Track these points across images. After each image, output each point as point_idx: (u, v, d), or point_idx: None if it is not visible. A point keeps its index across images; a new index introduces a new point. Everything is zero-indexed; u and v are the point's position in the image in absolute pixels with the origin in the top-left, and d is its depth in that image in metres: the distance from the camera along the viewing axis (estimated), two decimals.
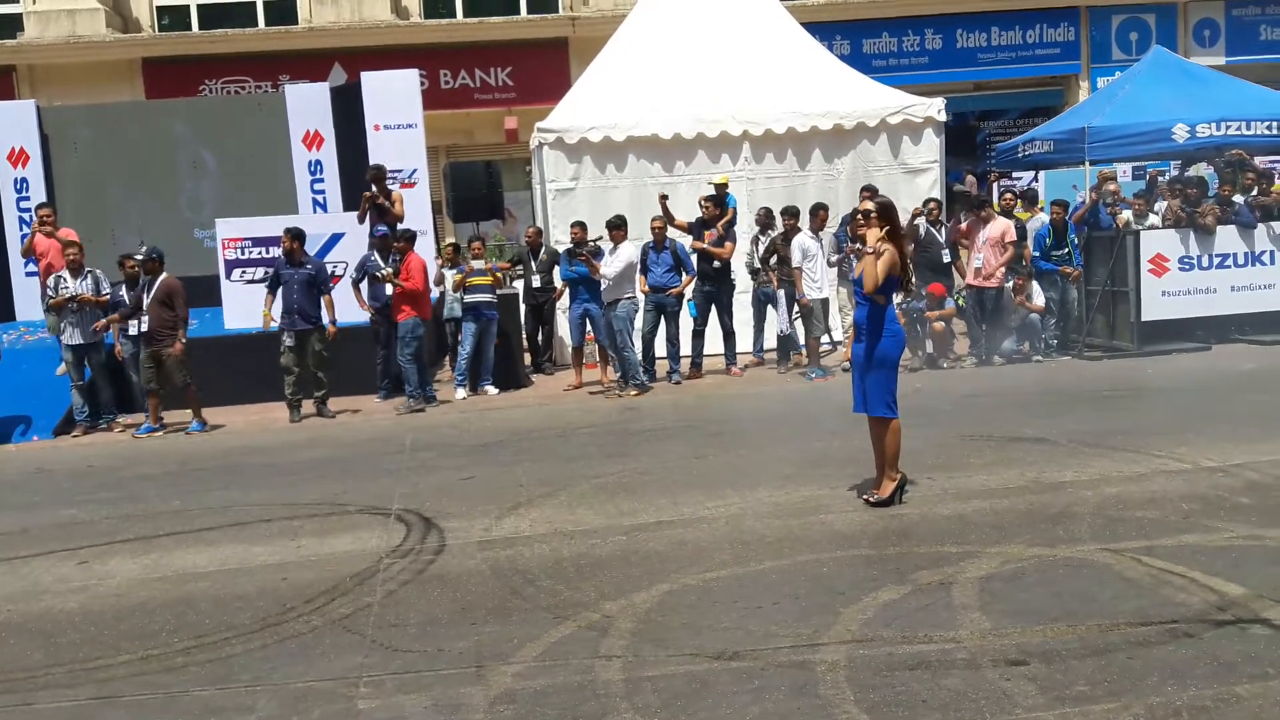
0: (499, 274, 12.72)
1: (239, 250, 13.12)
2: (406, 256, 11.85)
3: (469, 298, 12.23)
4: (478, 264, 12.35)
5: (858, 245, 7.17)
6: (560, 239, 13.13)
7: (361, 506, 7.57)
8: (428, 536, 6.67)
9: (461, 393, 12.20)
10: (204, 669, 4.78)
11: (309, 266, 11.65)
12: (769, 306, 12.95)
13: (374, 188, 12.94)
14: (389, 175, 13.48)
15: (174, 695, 4.51)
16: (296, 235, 11.70)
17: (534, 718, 4.06)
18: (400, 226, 12.59)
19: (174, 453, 10.33)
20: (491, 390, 12.30)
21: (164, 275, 11.22)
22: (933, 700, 3.99)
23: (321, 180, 14.82)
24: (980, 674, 4.21)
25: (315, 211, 14.54)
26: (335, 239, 13.21)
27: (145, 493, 8.60)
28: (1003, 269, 12.39)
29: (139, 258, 11.46)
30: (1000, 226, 12.41)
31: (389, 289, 12.00)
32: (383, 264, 12.07)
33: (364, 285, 12.30)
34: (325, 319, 11.62)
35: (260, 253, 13.10)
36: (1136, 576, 5.20)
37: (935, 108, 14.31)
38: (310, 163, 14.91)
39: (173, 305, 11.14)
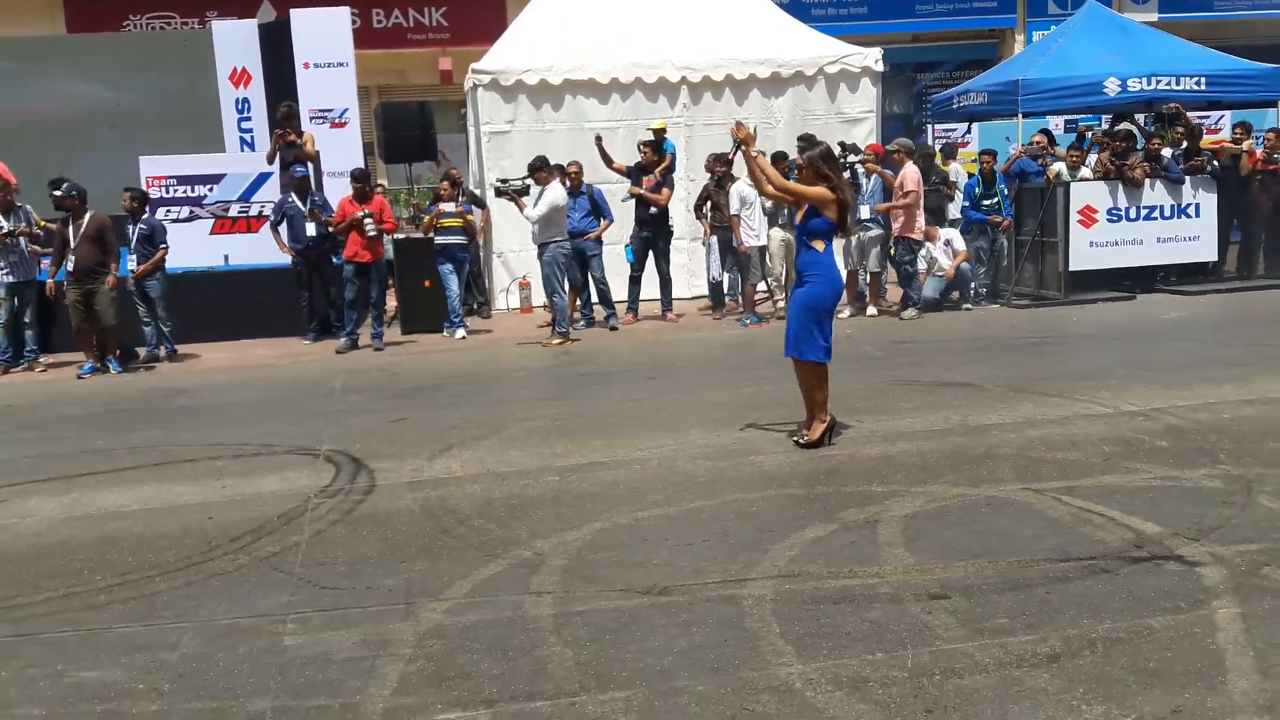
0: (470, 216, 12.50)
1: (163, 189, 12.79)
2: (374, 196, 11.85)
3: (440, 239, 12.09)
4: (448, 206, 12.18)
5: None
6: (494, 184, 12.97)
7: (289, 447, 7.47)
8: (357, 477, 6.61)
9: (461, 332, 12.18)
10: (126, 606, 4.70)
11: (144, 226, 11.55)
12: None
13: (284, 126, 12.73)
14: (318, 114, 13.23)
15: (95, 632, 4.43)
16: (136, 196, 11.65)
17: (463, 652, 4.05)
18: (357, 167, 12.45)
19: (97, 393, 10.11)
20: (461, 333, 12.22)
21: (91, 212, 10.93)
22: (855, 632, 4.06)
23: (249, 119, 14.43)
24: (902, 607, 4.28)
25: (243, 150, 14.18)
26: (263, 178, 12.93)
27: (67, 432, 8.42)
28: (915, 218, 12.21)
29: (57, 194, 11.12)
30: (901, 174, 12.16)
31: (311, 230, 11.87)
32: (301, 205, 11.93)
33: (283, 228, 12.09)
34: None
35: (185, 191, 12.82)
36: (1057, 515, 5.32)
37: (873, 58, 14.34)
38: (238, 100, 14.51)
39: (104, 242, 10.87)
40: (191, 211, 12.88)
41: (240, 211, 13.03)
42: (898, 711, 3.46)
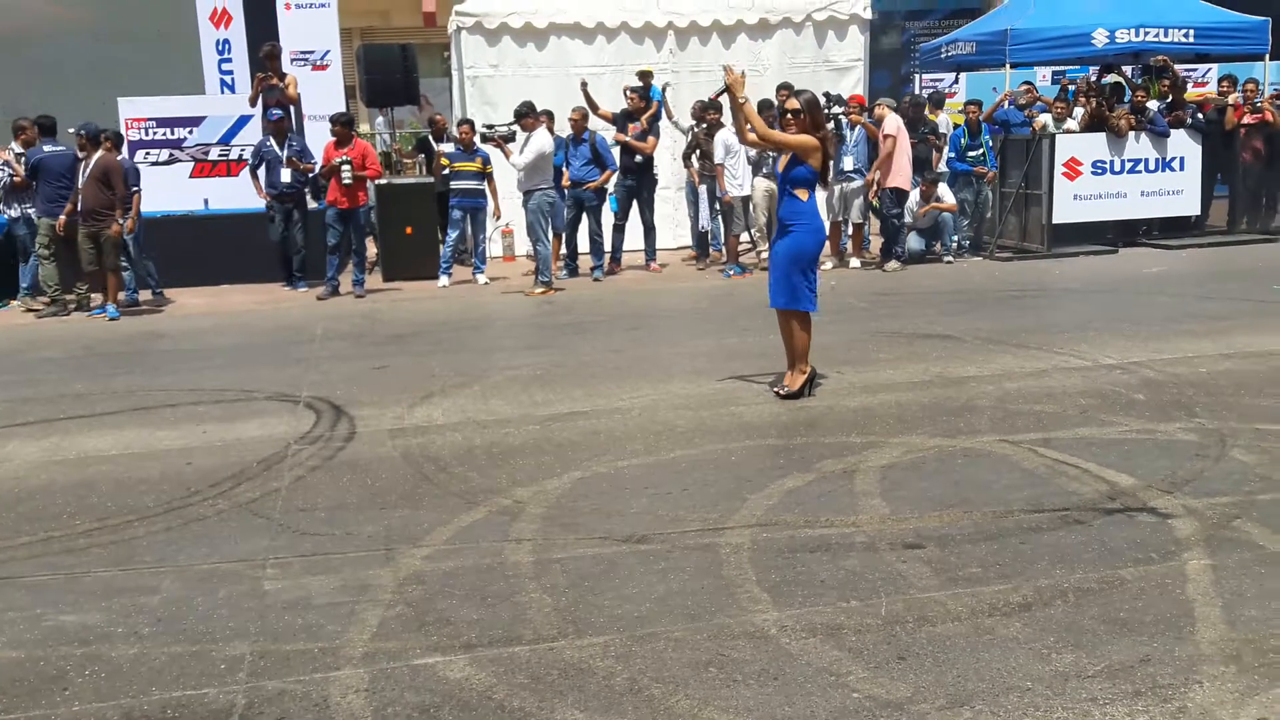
0: (489, 167, 12.04)
1: (143, 131, 12.64)
2: (355, 140, 11.72)
3: (455, 183, 11.91)
4: (446, 148, 11.98)
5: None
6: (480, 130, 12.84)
7: (270, 394, 7.46)
8: (338, 424, 6.61)
9: (444, 280, 12.06)
10: (106, 550, 4.71)
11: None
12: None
13: (267, 67, 12.57)
14: (299, 56, 13.05)
15: (76, 576, 4.44)
16: (89, 135, 11.13)
17: (443, 598, 4.08)
18: (338, 110, 12.30)
19: (77, 337, 10.06)
20: (444, 281, 12.14)
21: (100, 153, 10.78)
22: (831, 580, 4.11)
23: (230, 60, 14.26)
24: (878, 556, 4.33)
25: (223, 92, 14.01)
26: (243, 121, 12.78)
27: (46, 376, 8.38)
28: (900, 169, 12.06)
29: (70, 131, 10.98)
30: (884, 122, 12.00)
31: (286, 176, 11.71)
32: (279, 150, 11.76)
33: (261, 172, 11.97)
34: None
35: (165, 134, 12.67)
36: (1032, 467, 5.37)
37: (861, 5, 14.23)
38: (218, 42, 14.33)
39: (110, 184, 10.73)
40: (171, 154, 12.75)
41: (220, 155, 12.90)
42: (871, 658, 3.51)
